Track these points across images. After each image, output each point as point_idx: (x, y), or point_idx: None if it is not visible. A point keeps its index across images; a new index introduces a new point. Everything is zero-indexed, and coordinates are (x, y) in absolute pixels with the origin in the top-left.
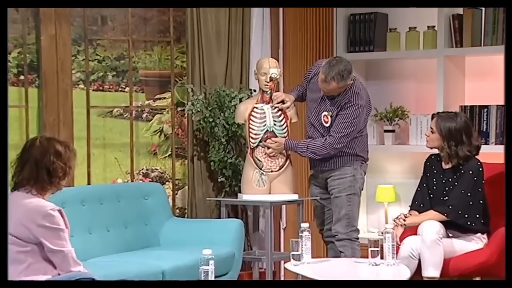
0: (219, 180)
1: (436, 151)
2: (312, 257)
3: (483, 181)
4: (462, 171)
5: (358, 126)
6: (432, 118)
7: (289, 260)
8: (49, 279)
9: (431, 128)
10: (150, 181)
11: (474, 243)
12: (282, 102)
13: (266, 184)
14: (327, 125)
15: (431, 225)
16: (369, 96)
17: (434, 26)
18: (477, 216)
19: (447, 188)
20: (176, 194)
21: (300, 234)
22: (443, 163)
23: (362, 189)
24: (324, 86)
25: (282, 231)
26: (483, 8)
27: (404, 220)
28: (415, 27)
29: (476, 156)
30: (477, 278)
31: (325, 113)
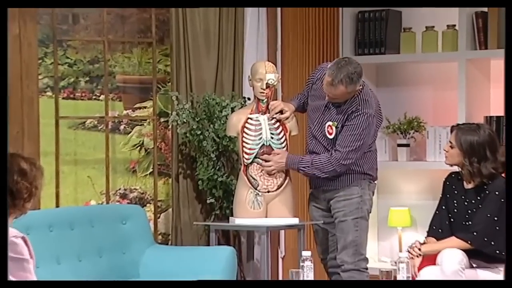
0: (208, 201)
1: (456, 168)
2: None
3: None
4: (487, 192)
5: (367, 139)
6: (452, 130)
7: None
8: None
9: (450, 142)
10: (128, 203)
11: (502, 275)
12: (281, 112)
13: (262, 206)
14: (331, 136)
15: (452, 253)
16: (380, 105)
17: (454, 25)
18: None
19: (470, 211)
20: (159, 217)
21: (301, 263)
22: (464, 182)
23: (370, 212)
24: (330, 91)
25: (280, 260)
26: None
27: (419, 249)
28: (433, 27)
29: (503, 174)
30: None
31: (330, 123)
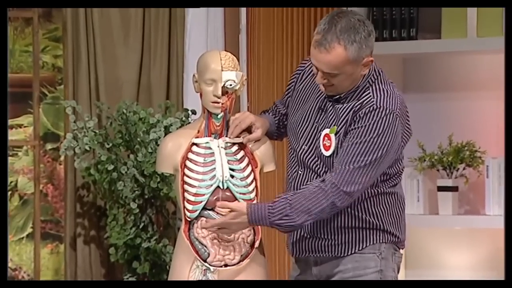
0: (125, 280)
1: None
2: None
3: None
4: None
5: (388, 151)
6: None
7: None
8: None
9: None
10: None
11: None
12: (248, 130)
13: None
14: (328, 152)
15: None
16: (408, 114)
17: None
18: None
19: None
20: None
21: None
22: None
23: None
24: (320, 57)
25: None
26: None
27: None
28: None
29: None
30: None
31: (326, 131)
